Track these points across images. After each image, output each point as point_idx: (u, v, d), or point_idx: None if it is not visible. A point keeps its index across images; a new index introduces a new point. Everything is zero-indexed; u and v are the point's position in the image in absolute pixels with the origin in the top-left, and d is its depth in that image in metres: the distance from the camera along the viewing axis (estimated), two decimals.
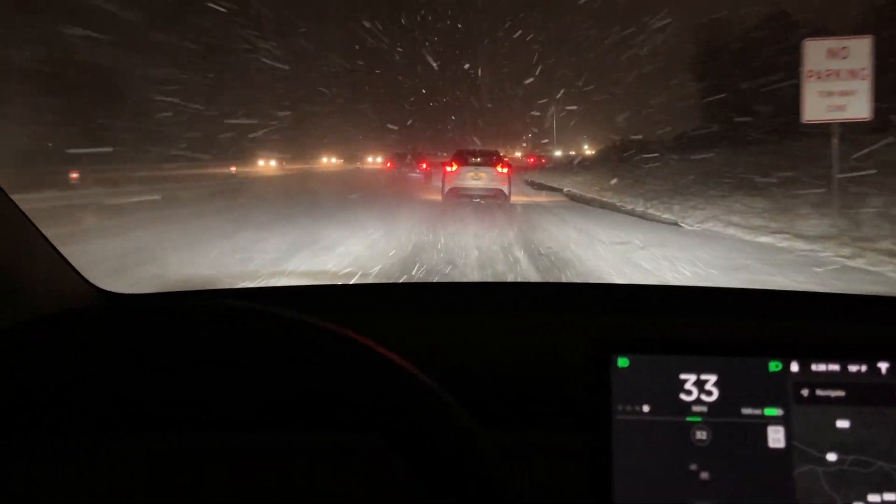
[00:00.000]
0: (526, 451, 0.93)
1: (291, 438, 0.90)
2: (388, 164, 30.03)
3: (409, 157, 25.92)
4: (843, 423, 0.91)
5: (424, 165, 22.91)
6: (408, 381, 0.69)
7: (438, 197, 14.74)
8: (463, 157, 14.66)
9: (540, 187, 20.46)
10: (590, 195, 15.96)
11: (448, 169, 14.56)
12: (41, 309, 0.98)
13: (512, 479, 0.67)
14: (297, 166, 34.19)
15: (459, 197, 14.01)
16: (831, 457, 0.90)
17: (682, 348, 0.95)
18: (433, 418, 0.68)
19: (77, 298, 1.09)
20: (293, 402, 0.87)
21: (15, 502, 0.82)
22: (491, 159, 14.71)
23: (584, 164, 26.41)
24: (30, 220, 1.03)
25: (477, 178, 14.15)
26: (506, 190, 14.19)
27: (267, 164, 32.91)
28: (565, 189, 18.25)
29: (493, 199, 13.99)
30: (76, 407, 0.84)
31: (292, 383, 0.75)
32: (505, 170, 14.51)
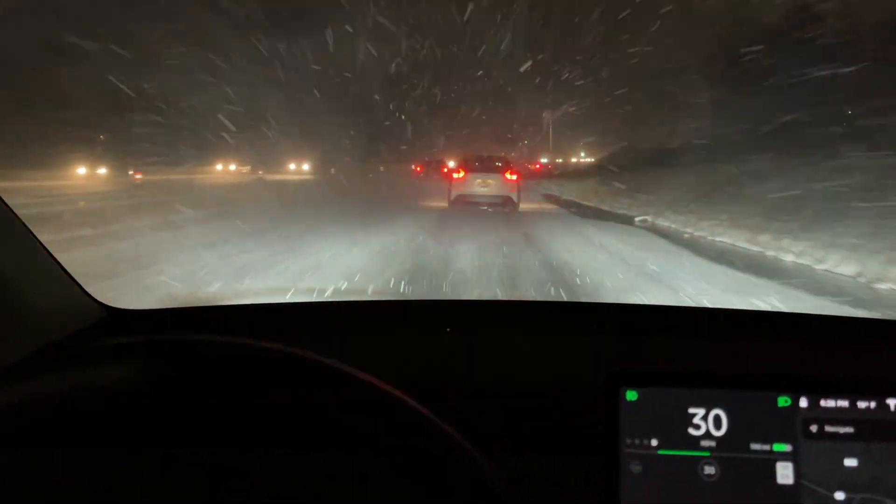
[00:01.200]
0: (531, 480, 0.93)
1: (291, 459, 0.91)
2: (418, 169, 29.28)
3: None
4: (851, 461, 0.91)
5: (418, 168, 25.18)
6: (409, 414, 0.70)
7: (431, 203, 14.53)
8: (470, 164, 14.43)
9: (570, 207, 15.99)
10: (700, 231, 10.23)
11: (455, 176, 14.32)
12: (48, 329, 0.99)
13: None
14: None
15: (466, 204, 13.74)
16: (839, 496, 0.90)
17: (691, 382, 0.95)
18: (427, 442, 0.69)
19: (82, 316, 1.09)
20: (294, 430, 0.88)
21: None
22: (499, 166, 14.45)
23: (606, 171, 24.15)
24: (34, 235, 1.03)
25: (485, 186, 13.84)
26: (514, 197, 13.90)
27: (225, 170, 29.31)
28: (639, 218, 12.94)
29: (501, 208, 13.72)
30: (88, 429, 0.85)
31: (295, 414, 0.76)
32: (514, 177, 14.21)
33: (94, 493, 0.85)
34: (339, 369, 0.72)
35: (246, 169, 29.68)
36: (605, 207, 15.29)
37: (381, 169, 31.66)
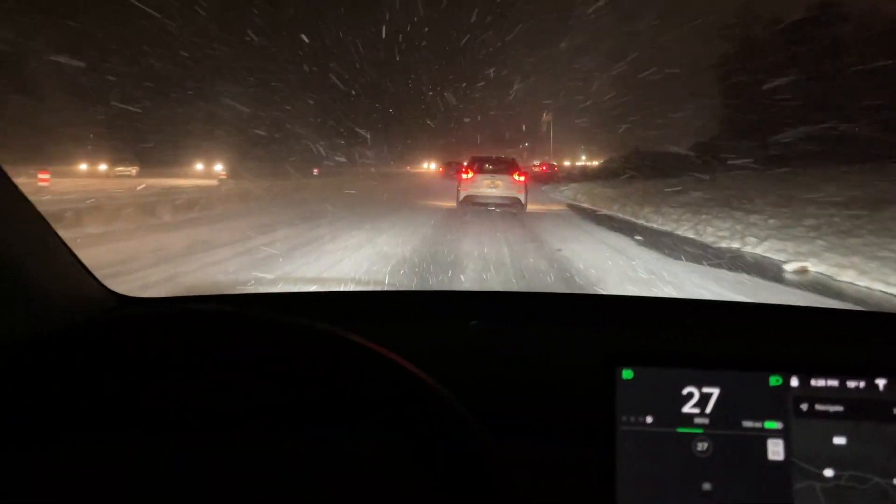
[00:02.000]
0: (529, 461, 0.94)
1: (308, 443, 0.91)
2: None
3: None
4: (840, 440, 0.93)
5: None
6: (426, 390, 0.72)
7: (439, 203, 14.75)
8: (478, 165, 14.48)
9: (599, 222, 13.27)
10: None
11: (463, 176, 14.34)
12: (58, 315, 0.99)
13: (522, 490, 0.69)
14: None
15: (474, 205, 13.81)
16: (828, 472, 0.92)
17: (685, 362, 0.97)
18: (452, 427, 0.70)
19: (93, 303, 1.10)
20: (309, 408, 0.89)
21: None
22: (507, 167, 14.52)
23: (621, 173, 23.42)
24: (46, 220, 1.03)
25: (493, 187, 13.88)
26: (522, 199, 13.91)
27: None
28: (793, 266, 7.61)
29: (509, 209, 13.74)
30: (98, 414, 0.85)
31: (309, 390, 0.77)
32: (522, 178, 14.25)
33: (120, 477, 0.85)
34: (369, 347, 0.73)
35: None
36: (708, 239, 10.00)
37: (408, 168, 35.81)
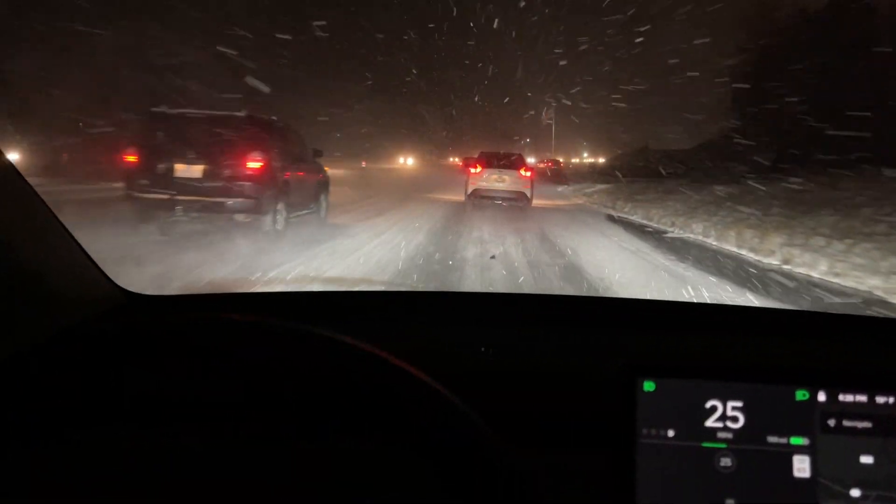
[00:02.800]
0: (547, 471, 0.93)
1: (314, 443, 0.90)
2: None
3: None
4: (867, 459, 0.91)
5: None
6: (432, 395, 0.71)
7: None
8: (487, 160, 14.91)
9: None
10: None
11: (472, 171, 14.78)
12: (67, 312, 0.99)
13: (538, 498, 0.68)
14: None
15: (482, 198, 14.26)
16: (855, 493, 0.90)
17: (709, 374, 0.94)
18: (460, 433, 0.69)
19: (103, 300, 1.09)
20: (317, 411, 0.88)
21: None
22: (514, 162, 14.93)
23: (646, 175, 21.62)
24: (58, 219, 1.03)
25: (500, 181, 14.32)
26: (528, 193, 14.35)
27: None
28: None
29: (515, 202, 14.20)
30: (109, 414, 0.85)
31: (317, 394, 0.77)
32: (528, 173, 14.68)
33: (120, 473, 0.85)
34: (371, 352, 0.73)
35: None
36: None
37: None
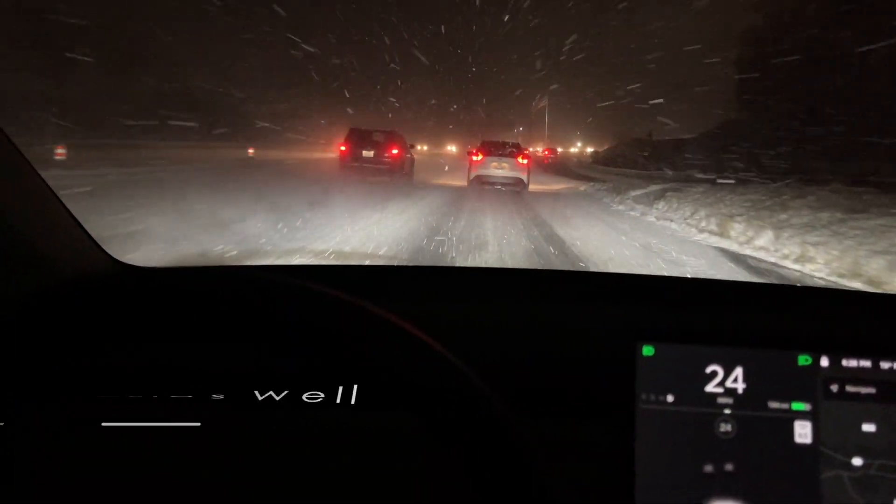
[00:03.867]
0: (548, 439, 0.88)
1: (321, 414, 0.89)
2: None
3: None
4: (869, 427, 0.90)
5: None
6: (447, 365, 0.72)
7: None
8: (487, 148, 16.61)
9: None
10: None
11: (474, 158, 16.39)
12: (54, 275, 0.96)
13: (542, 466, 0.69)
14: None
15: (483, 184, 15.83)
16: (857, 461, 0.89)
17: (709, 339, 0.94)
18: (472, 403, 0.70)
19: (96, 269, 1.06)
20: (324, 377, 0.88)
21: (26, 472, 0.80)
22: (512, 151, 16.51)
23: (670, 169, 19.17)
24: (52, 189, 1.01)
25: (500, 168, 15.93)
26: (525, 179, 16.03)
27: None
28: None
29: (513, 187, 15.75)
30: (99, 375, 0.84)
31: (322, 359, 0.77)
32: (525, 161, 16.26)
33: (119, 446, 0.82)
34: (378, 314, 0.73)
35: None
36: None
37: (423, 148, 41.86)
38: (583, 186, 19.26)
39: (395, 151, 16.60)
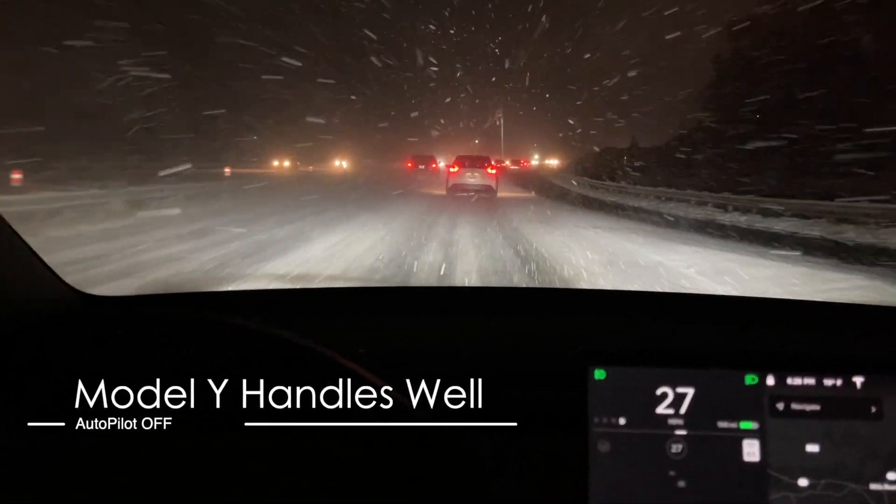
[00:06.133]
0: (502, 458, 0.94)
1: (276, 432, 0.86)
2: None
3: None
4: (813, 447, 0.92)
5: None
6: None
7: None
8: (462, 161, 19.31)
9: None
10: None
11: (451, 170, 19.05)
12: (21, 315, 0.95)
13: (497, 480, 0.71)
14: None
15: (459, 191, 17.99)
16: (803, 482, 0.91)
17: (659, 361, 0.95)
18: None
19: (58, 303, 1.05)
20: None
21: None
22: (483, 162, 19.27)
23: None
24: (5, 220, 0.98)
25: (473, 177, 18.44)
26: (494, 186, 18.47)
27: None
28: None
29: (484, 194, 18.01)
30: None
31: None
32: (493, 171, 19.01)
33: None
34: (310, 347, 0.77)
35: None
36: None
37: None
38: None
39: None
